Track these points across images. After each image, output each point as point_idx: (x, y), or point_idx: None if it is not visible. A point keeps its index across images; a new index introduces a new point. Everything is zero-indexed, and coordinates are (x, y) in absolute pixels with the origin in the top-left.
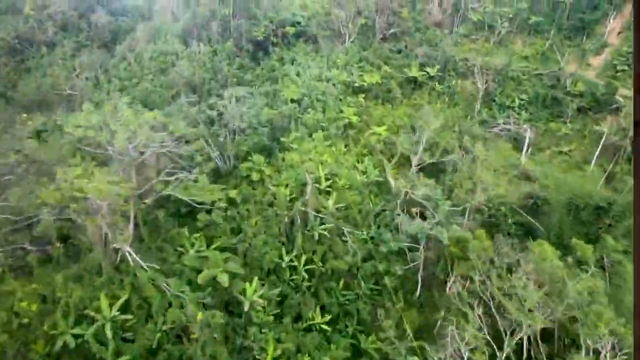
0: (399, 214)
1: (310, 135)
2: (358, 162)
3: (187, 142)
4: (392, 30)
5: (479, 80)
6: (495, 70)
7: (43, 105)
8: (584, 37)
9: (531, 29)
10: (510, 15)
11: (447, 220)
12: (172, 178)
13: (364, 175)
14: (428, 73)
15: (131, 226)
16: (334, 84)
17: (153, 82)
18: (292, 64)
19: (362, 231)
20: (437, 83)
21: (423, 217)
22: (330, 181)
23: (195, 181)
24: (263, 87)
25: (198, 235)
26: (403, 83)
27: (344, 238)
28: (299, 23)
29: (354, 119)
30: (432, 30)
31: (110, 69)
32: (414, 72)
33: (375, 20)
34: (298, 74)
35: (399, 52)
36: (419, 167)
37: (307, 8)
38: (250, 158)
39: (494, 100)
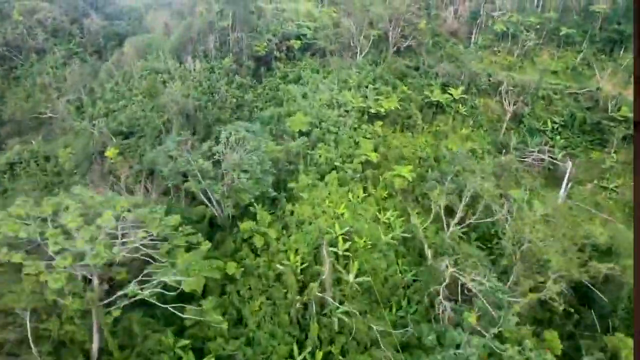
0: (441, 302)
1: (322, 178)
2: (379, 211)
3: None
4: (407, 43)
5: (505, 100)
6: (522, 88)
7: (23, 129)
8: (621, 51)
9: (560, 41)
10: (537, 26)
11: (506, 320)
12: (152, 278)
13: (388, 229)
14: (452, 95)
15: (95, 345)
16: (346, 110)
17: (142, 105)
18: (298, 81)
19: (389, 310)
20: (460, 105)
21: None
22: (349, 242)
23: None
24: (266, 108)
25: (186, 344)
26: (424, 107)
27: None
28: (305, 36)
29: (373, 155)
30: (451, 44)
31: (96, 88)
32: (437, 96)
33: (388, 32)
34: (305, 96)
35: (417, 69)
36: (457, 226)
37: (313, 18)
38: (252, 208)
39: (522, 122)
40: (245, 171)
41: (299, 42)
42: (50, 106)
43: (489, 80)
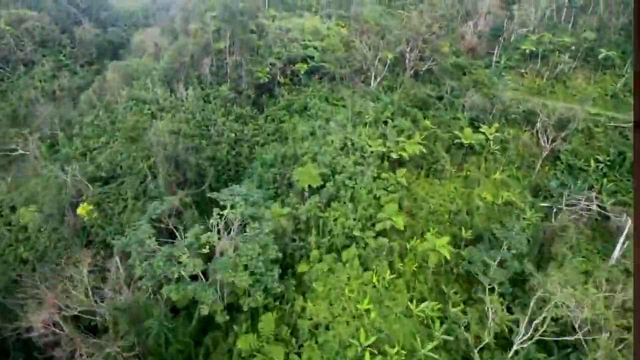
0: None
1: (339, 252)
2: (412, 300)
3: None
4: (426, 66)
5: (542, 135)
6: (558, 119)
7: None
8: None
9: (598, 63)
10: (572, 47)
11: None
12: None
13: (425, 326)
14: (485, 134)
15: None
16: (363, 155)
17: (125, 145)
18: (304, 111)
19: None
20: (491, 142)
21: None
22: (379, 356)
23: None
24: (268, 144)
25: None
26: (452, 147)
27: None
28: (312, 58)
29: (399, 221)
30: (476, 67)
31: (74, 121)
32: (468, 137)
33: (405, 53)
34: (313, 134)
35: (440, 98)
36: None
37: (320, 35)
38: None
39: (559, 159)
40: (245, 267)
41: (305, 66)
42: (21, 142)
43: (522, 110)
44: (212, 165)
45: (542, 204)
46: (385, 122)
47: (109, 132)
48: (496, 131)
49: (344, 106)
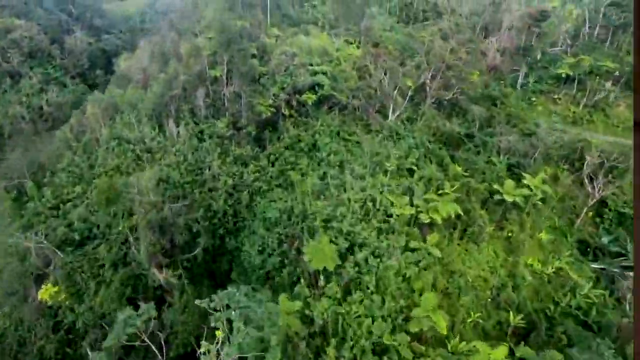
0: None
1: None
2: None
3: None
4: (451, 95)
5: (590, 180)
6: (603, 158)
7: None
8: None
9: None
10: (615, 72)
11: None
12: None
13: None
14: (529, 187)
15: None
16: (387, 218)
17: (102, 204)
18: (313, 150)
19: None
20: (534, 194)
21: None
22: None
23: None
24: (271, 190)
25: None
26: (488, 200)
27: None
28: (321, 86)
29: (440, 321)
30: (510, 98)
31: (47, 165)
32: (509, 192)
33: (426, 81)
34: (327, 189)
35: (471, 137)
36: None
37: (329, 56)
38: None
39: (606, 205)
40: None
41: (313, 95)
42: None
43: (559, 145)
44: (207, 220)
45: (593, 265)
46: (410, 171)
47: (86, 179)
48: (543, 182)
49: (357, 142)
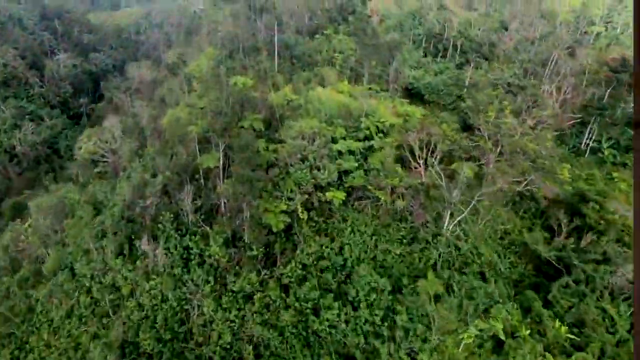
0: None
1: None
2: None
3: None
4: (524, 187)
5: None
6: None
7: None
8: None
9: None
10: None
11: None
12: None
13: None
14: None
15: None
16: None
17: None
18: (345, 287)
19: None
20: None
21: None
22: None
23: None
24: (285, 339)
25: None
26: None
27: None
28: (349, 174)
29: None
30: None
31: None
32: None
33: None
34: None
35: (566, 267)
36: None
37: (354, 122)
38: None
39: None
40: None
41: (340, 194)
42: None
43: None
44: None
45: None
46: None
47: (19, 336)
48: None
49: (402, 262)
